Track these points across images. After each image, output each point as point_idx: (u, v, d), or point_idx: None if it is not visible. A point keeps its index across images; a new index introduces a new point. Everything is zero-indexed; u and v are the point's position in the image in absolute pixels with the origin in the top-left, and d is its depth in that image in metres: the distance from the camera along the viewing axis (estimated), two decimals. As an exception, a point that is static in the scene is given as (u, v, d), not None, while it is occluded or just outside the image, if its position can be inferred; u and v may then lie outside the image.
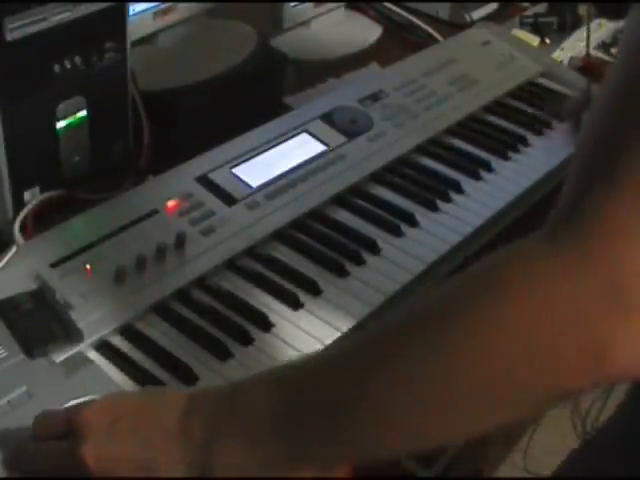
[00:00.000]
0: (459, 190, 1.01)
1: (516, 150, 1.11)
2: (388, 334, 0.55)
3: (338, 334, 0.80)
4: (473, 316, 0.50)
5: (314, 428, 0.56)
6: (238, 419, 0.58)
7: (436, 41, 1.38)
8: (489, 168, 1.06)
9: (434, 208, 0.98)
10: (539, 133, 1.15)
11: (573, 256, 0.47)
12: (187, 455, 0.59)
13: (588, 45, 1.29)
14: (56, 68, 0.84)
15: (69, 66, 0.85)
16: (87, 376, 0.73)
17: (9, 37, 0.79)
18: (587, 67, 1.34)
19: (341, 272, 0.87)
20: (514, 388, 0.49)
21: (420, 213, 0.97)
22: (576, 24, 1.42)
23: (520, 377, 0.49)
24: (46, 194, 0.90)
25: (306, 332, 0.80)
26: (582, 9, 1.44)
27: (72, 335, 0.75)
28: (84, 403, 0.65)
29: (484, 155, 1.09)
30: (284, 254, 0.90)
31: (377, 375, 0.53)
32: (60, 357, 0.74)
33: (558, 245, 0.48)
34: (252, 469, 0.58)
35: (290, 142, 1.02)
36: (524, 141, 1.13)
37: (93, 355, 0.76)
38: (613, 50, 1.39)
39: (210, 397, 0.61)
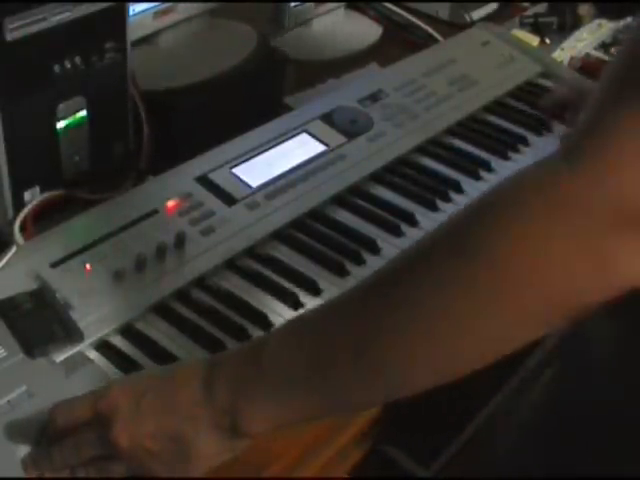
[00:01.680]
0: (459, 190, 1.01)
1: (516, 150, 1.11)
2: (409, 264, 0.56)
3: (338, 334, 0.80)
4: (494, 232, 0.52)
5: (341, 374, 0.57)
6: (263, 377, 0.59)
7: (436, 41, 1.38)
8: (489, 168, 1.06)
9: (434, 208, 0.98)
10: (539, 133, 1.15)
11: (585, 179, 0.50)
12: (215, 420, 0.60)
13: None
14: (56, 68, 0.84)
15: (69, 66, 0.85)
16: (87, 376, 0.73)
17: (9, 37, 0.79)
18: (587, 67, 1.34)
19: (341, 272, 0.87)
20: (534, 301, 0.52)
21: (420, 213, 0.97)
22: (576, 24, 1.42)
23: (539, 290, 0.51)
24: (46, 194, 0.90)
25: (306, 332, 0.80)
26: (582, 9, 1.44)
27: (72, 335, 0.75)
28: (103, 389, 0.65)
29: (484, 155, 1.09)
30: (284, 254, 0.90)
31: (400, 308, 0.54)
32: (60, 357, 0.74)
33: (571, 168, 0.50)
34: (283, 423, 0.59)
35: (290, 142, 1.02)
36: (524, 141, 1.13)
37: (93, 355, 0.76)
38: (613, 50, 1.39)
39: (231, 360, 0.62)
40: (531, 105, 1.21)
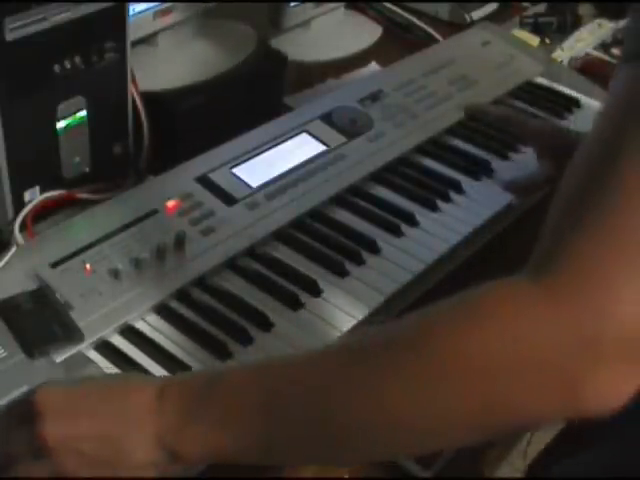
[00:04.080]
0: (459, 190, 1.01)
1: (516, 150, 1.11)
2: (360, 355, 0.56)
3: (338, 334, 0.80)
4: (451, 342, 0.52)
5: (292, 422, 0.57)
6: (207, 412, 0.58)
7: (436, 41, 1.38)
8: (489, 168, 1.06)
9: (434, 208, 0.98)
10: (539, 133, 1.15)
11: (552, 302, 0.49)
12: (158, 433, 0.58)
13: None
14: (56, 68, 0.84)
15: (69, 66, 0.85)
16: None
17: (9, 37, 0.79)
18: (587, 67, 1.34)
19: (341, 272, 0.87)
20: (485, 413, 0.51)
21: (420, 213, 0.97)
22: (576, 24, 1.42)
23: (493, 402, 0.51)
24: (46, 194, 0.90)
25: (306, 332, 0.80)
26: (582, 9, 1.44)
27: (72, 335, 0.75)
28: (37, 387, 0.62)
29: (484, 155, 1.09)
30: (284, 254, 0.90)
31: (342, 394, 0.55)
32: (60, 357, 0.74)
33: (538, 289, 0.50)
34: (221, 459, 0.59)
35: (290, 142, 1.02)
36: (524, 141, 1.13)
37: (93, 355, 0.76)
38: (613, 50, 1.39)
39: (187, 382, 0.61)
40: (531, 105, 1.21)
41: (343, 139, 1.04)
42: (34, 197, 0.89)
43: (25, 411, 0.61)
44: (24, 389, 0.70)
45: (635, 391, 0.50)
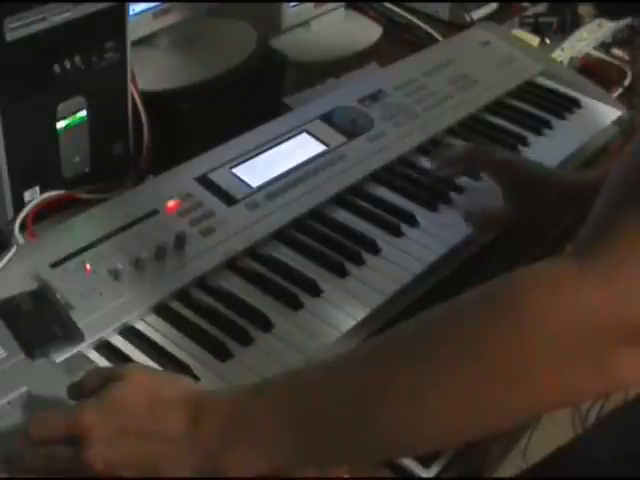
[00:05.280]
0: (459, 190, 1.01)
1: (516, 150, 1.11)
2: (408, 351, 0.56)
3: (338, 334, 0.80)
4: (496, 328, 0.52)
5: (327, 443, 0.58)
6: (252, 427, 0.58)
7: (436, 41, 1.38)
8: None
9: (434, 208, 0.98)
10: (539, 133, 1.15)
11: (594, 285, 0.50)
12: (196, 463, 0.59)
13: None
14: (56, 68, 0.84)
15: (69, 66, 0.85)
16: (87, 376, 0.73)
17: (9, 37, 0.79)
18: (587, 67, 1.34)
19: (341, 272, 0.87)
20: (526, 398, 0.53)
21: (420, 213, 0.97)
22: (576, 24, 1.42)
23: (533, 389, 0.52)
24: (46, 194, 0.90)
25: (306, 332, 0.80)
26: (582, 9, 1.44)
27: (72, 335, 0.75)
28: (81, 406, 0.63)
29: (484, 155, 1.09)
30: (284, 254, 0.90)
31: (399, 375, 0.55)
32: (60, 357, 0.74)
33: (582, 270, 0.51)
34: (264, 474, 0.59)
35: (290, 142, 1.02)
36: (524, 141, 1.13)
37: (93, 355, 0.76)
38: (613, 50, 1.39)
39: (220, 405, 0.61)
40: (531, 105, 1.21)
41: (343, 139, 1.04)
42: (34, 197, 0.89)
43: (68, 431, 0.62)
44: (24, 389, 0.70)
45: None
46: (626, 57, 1.37)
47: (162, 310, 0.81)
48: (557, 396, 0.53)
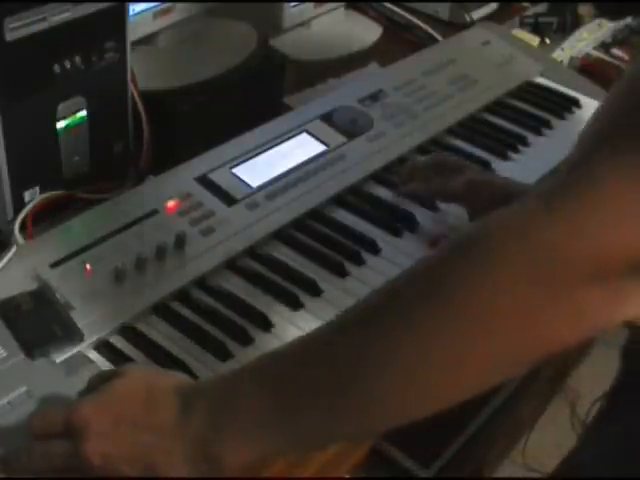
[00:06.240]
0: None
1: (516, 150, 1.11)
2: (381, 307, 0.56)
3: (338, 334, 0.80)
4: (467, 277, 0.52)
5: (311, 416, 0.57)
6: (239, 411, 0.58)
7: (436, 41, 1.38)
8: (489, 168, 1.06)
9: (434, 208, 0.98)
10: (539, 133, 1.15)
11: (564, 225, 0.49)
12: (188, 453, 0.59)
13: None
14: (56, 68, 0.84)
15: (69, 66, 0.85)
16: (87, 376, 0.73)
17: (9, 37, 0.79)
18: (587, 67, 1.34)
19: (341, 272, 0.87)
20: (505, 347, 0.52)
21: (420, 213, 0.97)
22: (576, 24, 1.42)
23: (510, 336, 0.52)
24: (46, 194, 0.90)
25: (306, 332, 0.80)
26: (582, 9, 1.44)
27: (72, 335, 0.75)
28: (80, 400, 0.64)
29: (484, 155, 1.09)
30: (284, 254, 0.90)
31: (372, 351, 0.54)
32: (60, 357, 0.74)
33: (551, 212, 0.50)
34: (261, 457, 0.59)
35: (290, 142, 1.02)
36: (524, 141, 1.13)
37: (93, 355, 0.76)
38: (613, 50, 1.39)
39: (207, 391, 0.61)
40: (531, 105, 1.21)
41: (343, 139, 1.04)
42: (34, 197, 0.89)
43: (66, 425, 0.62)
44: (24, 389, 0.70)
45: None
46: (626, 57, 1.37)
47: (162, 310, 0.81)
48: (531, 340, 0.52)
